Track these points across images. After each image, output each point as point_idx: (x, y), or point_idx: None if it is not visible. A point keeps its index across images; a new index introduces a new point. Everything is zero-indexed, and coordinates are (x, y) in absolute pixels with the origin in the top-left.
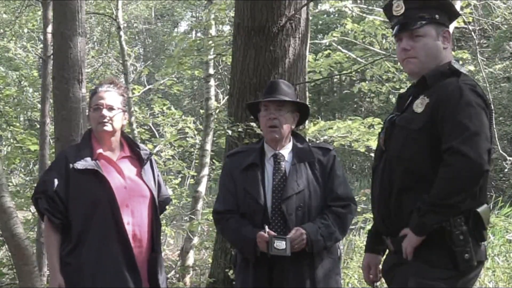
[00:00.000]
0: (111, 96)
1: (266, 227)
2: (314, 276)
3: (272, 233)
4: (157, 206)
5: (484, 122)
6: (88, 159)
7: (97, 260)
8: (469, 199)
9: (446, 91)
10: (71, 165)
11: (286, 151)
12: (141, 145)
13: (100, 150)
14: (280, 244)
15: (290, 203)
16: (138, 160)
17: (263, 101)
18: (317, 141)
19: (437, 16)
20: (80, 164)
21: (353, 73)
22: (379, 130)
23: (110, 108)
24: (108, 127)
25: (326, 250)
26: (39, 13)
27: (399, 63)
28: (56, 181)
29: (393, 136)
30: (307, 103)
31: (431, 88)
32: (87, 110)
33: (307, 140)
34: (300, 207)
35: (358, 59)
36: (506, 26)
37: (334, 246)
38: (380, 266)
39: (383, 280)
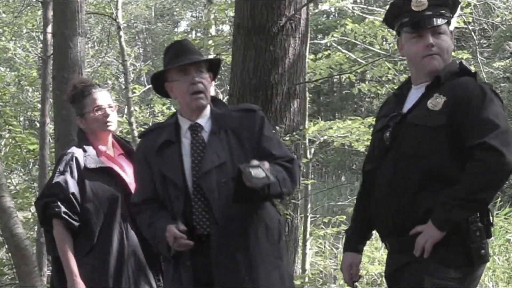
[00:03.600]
0: (106, 96)
1: (179, 220)
2: (250, 260)
3: (183, 227)
4: None
5: (507, 121)
6: (96, 157)
7: (119, 258)
8: (494, 196)
9: (467, 90)
10: (82, 165)
11: (203, 120)
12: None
13: (103, 148)
14: (258, 172)
15: (210, 178)
16: (130, 157)
17: (183, 64)
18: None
19: (451, 15)
20: (92, 163)
21: (353, 73)
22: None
23: (110, 107)
24: (112, 126)
25: (281, 198)
26: (39, 13)
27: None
28: (71, 183)
29: (404, 134)
30: (307, 103)
31: (442, 86)
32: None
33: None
34: (223, 182)
35: (358, 59)
36: (505, 26)
37: (272, 226)
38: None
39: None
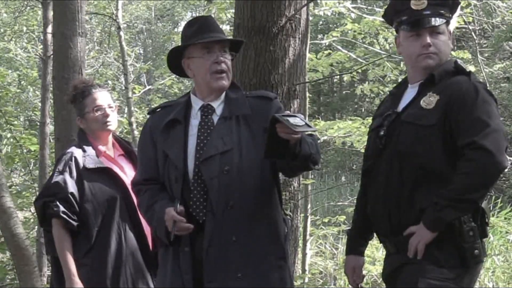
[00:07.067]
0: (106, 96)
1: (178, 202)
2: (246, 257)
3: (181, 208)
4: None
5: (500, 121)
6: (95, 158)
7: (117, 259)
8: (485, 195)
9: (460, 89)
10: (81, 165)
11: (217, 102)
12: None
13: (103, 148)
14: (297, 121)
15: (212, 164)
16: (131, 157)
17: (209, 41)
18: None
19: (450, 15)
20: (91, 163)
21: (354, 73)
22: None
23: (110, 107)
24: (112, 126)
25: (312, 162)
26: (39, 13)
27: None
28: (70, 183)
29: (398, 132)
30: (307, 103)
31: (437, 86)
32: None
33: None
34: (226, 170)
35: (359, 59)
36: (506, 26)
37: (277, 225)
38: (363, 269)
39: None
